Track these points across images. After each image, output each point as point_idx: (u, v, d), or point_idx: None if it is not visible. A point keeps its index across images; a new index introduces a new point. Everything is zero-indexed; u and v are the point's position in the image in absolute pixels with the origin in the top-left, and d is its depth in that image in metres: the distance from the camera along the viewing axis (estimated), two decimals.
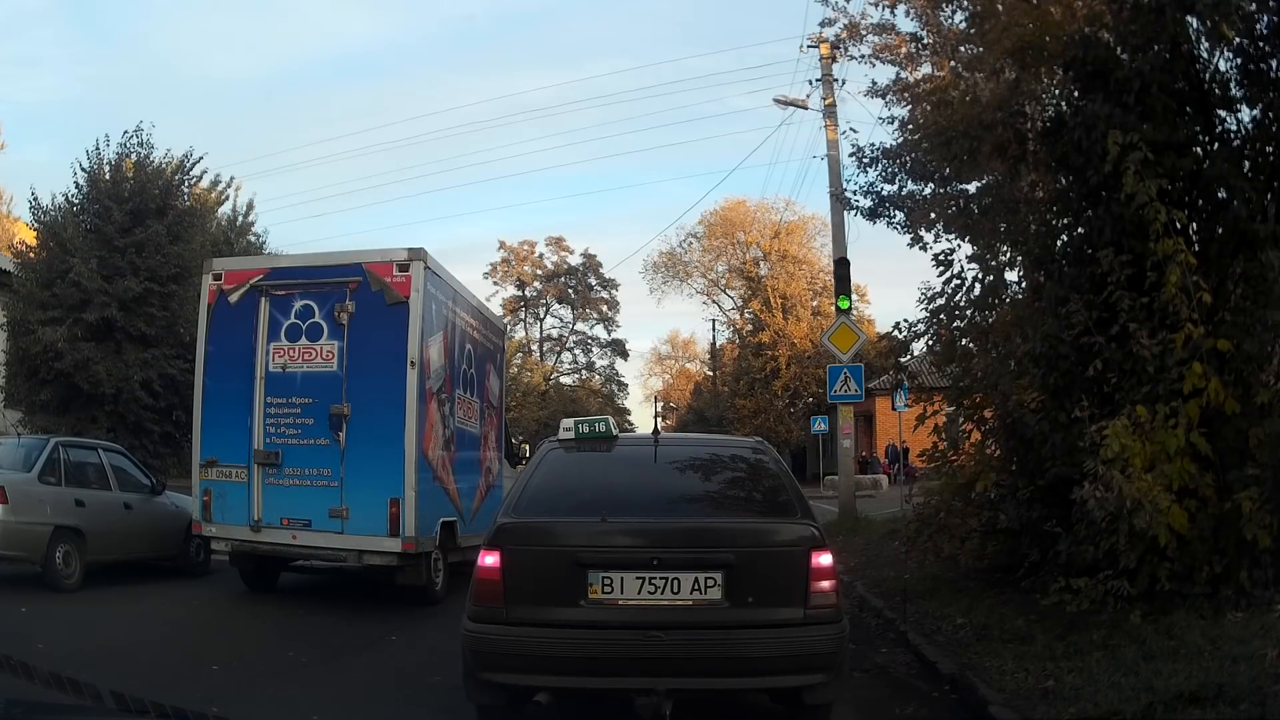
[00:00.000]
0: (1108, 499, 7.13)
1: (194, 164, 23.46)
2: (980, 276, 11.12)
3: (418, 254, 10.58)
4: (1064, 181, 9.92)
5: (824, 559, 5.58)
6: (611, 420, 7.02)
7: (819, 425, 44.31)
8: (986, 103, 10.59)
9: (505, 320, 74.85)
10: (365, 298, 10.60)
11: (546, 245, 78.08)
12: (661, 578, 5.38)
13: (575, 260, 78.14)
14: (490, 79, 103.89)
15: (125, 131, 22.96)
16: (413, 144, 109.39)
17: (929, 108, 11.70)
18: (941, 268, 11.24)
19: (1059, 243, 10.27)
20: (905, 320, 11.43)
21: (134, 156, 22.83)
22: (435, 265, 11.03)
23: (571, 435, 6.73)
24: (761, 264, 59.73)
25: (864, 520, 19.65)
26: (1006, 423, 9.47)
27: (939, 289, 11.25)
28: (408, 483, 10.13)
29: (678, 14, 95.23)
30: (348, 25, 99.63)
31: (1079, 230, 9.70)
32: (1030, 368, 9.56)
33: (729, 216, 61.94)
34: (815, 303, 57.93)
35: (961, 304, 11.21)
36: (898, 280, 73.19)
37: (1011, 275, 11.27)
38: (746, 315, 61.31)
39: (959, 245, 11.37)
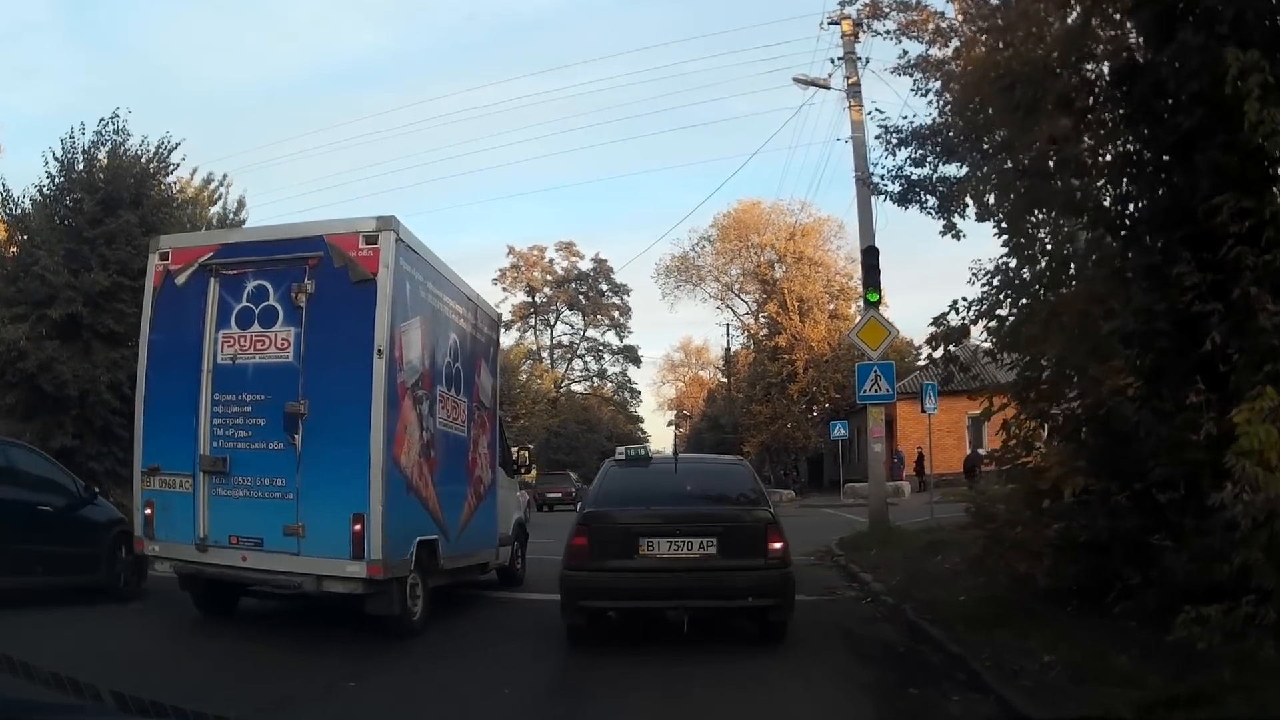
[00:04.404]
0: (1254, 502, 5.65)
1: (170, 150, 21.98)
2: (1047, 247, 9.61)
3: (388, 223, 8.99)
4: (1145, 133, 8.42)
5: (775, 531, 8.77)
6: (649, 447, 12.23)
7: (839, 431, 42.73)
8: (1052, 42, 9.12)
9: (513, 322, 74.28)
10: (327, 276, 9.02)
11: (556, 250, 77.04)
12: (681, 541, 8.58)
13: (586, 265, 77.01)
14: (491, 81, 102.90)
15: (102, 119, 21.67)
16: (418, 149, 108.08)
17: (987, 47, 10.13)
18: (1006, 236, 9.70)
19: (1139, 205, 8.76)
20: (963, 299, 9.79)
21: (109, 144, 21.49)
22: (410, 238, 9.44)
23: (623, 457, 10.41)
24: (776, 266, 58.21)
25: (897, 530, 17.92)
26: (1098, 414, 7.81)
27: (1001, 262, 9.70)
28: (374, 495, 8.49)
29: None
30: (352, 35, 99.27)
31: (1161, 190, 8.22)
32: (1118, 349, 7.98)
33: (742, 218, 60.56)
34: (832, 305, 56.72)
35: (1027, 279, 9.65)
36: (905, 285, 71.48)
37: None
38: (762, 319, 59.84)
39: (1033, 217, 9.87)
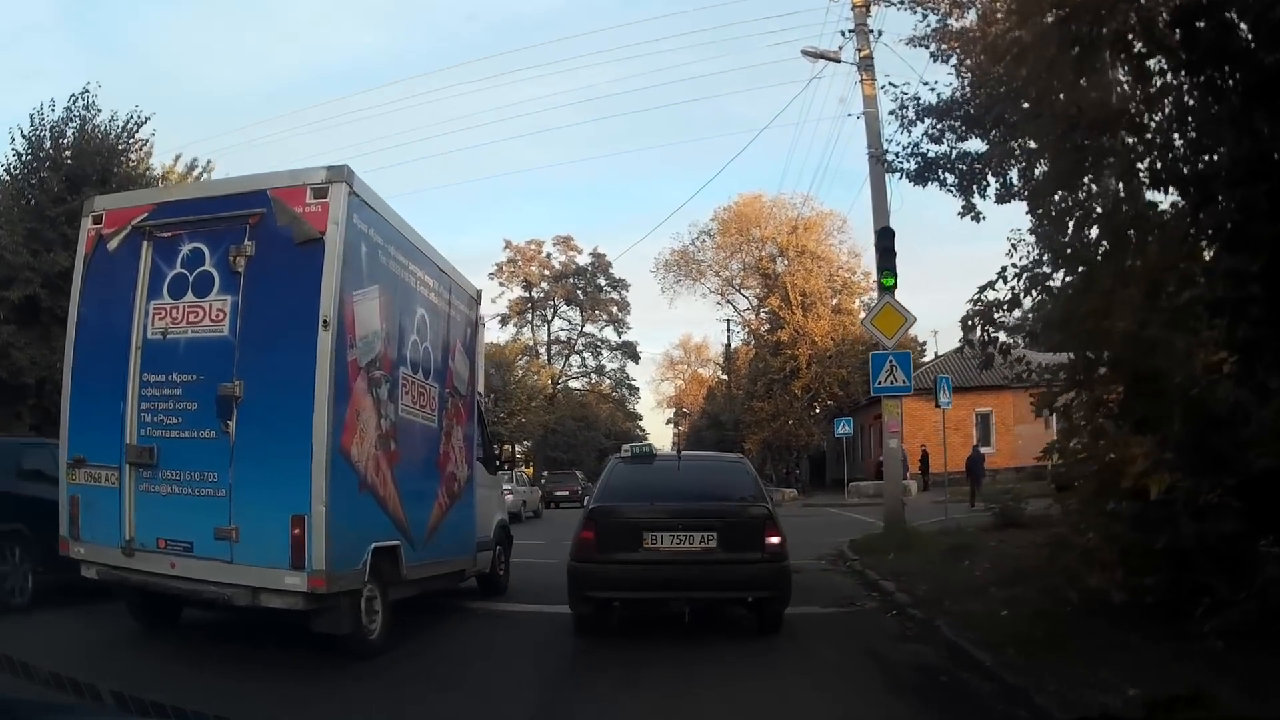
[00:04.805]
0: None
1: (139, 125, 20.91)
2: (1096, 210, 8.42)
3: (339, 173, 7.66)
4: (1214, 78, 7.30)
5: (772, 526, 9.05)
6: (652, 445, 12.86)
7: (843, 428, 41.49)
8: None
9: (510, 317, 72.90)
10: (269, 236, 7.72)
11: (554, 245, 75.87)
12: (683, 535, 8.89)
13: (584, 260, 75.74)
14: (492, 77, 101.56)
15: (72, 94, 20.80)
16: (413, 147, 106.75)
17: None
18: (1058, 191, 8.50)
19: (1211, 158, 7.63)
20: (1013, 265, 8.49)
21: (78, 120, 20.56)
22: (369, 194, 8.13)
23: (628, 455, 10.46)
24: (778, 260, 56.85)
25: (914, 532, 16.59)
26: (1190, 396, 6.50)
27: (1045, 230, 8.50)
28: (316, 493, 7.14)
29: None
30: (352, 36, 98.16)
31: (1238, 140, 7.05)
32: (1201, 320, 6.75)
33: (743, 212, 59.27)
34: (835, 301, 55.34)
35: (1081, 245, 8.40)
36: (905, 287, 69.92)
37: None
38: (763, 314, 58.55)
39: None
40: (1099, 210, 8.87)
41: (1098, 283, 8.04)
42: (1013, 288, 8.29)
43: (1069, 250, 8.21)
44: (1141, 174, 8.26)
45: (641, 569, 8.84)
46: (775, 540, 8.94)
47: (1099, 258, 8.37)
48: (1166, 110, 8.16)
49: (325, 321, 7.30)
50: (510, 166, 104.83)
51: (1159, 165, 7.99)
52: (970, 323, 9.21)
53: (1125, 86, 8.66)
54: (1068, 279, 8.28)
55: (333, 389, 7.28)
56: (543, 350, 76.36)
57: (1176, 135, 8.03)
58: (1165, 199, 8.28)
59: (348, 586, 7.49)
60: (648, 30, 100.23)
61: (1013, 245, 9.91)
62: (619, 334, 78.21)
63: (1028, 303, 8.54)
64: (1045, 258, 8.52)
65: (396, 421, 8.59)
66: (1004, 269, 8.49)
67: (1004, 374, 9.90)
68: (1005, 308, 8.37)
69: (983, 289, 8.49)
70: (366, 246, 8.03)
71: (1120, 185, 8.82)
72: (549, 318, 77.78)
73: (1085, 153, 8.65)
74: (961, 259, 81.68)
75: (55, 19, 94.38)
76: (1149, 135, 8.27)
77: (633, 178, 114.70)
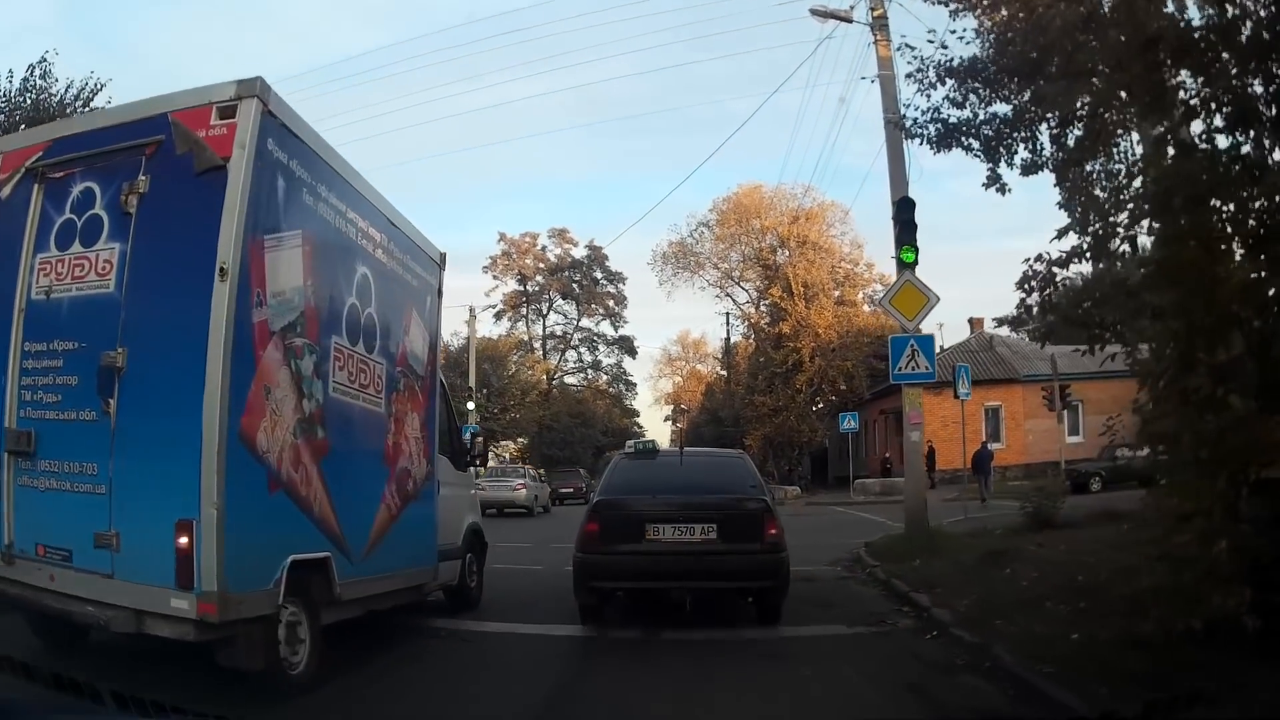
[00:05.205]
0: None
1: (95, 92, 19.38)
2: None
3: (251, 87, 6.09)
4: None
5: (770, 518, 9.41)
6: (656, 441, 13.25)
7: (848, 423, 39.97)
8: None
9: (504, 311, 71.33)
10: (166, 168, 6.15)
11: (549, 238, 74.21)
12: (685, 527, 9.22)
13: (579, 253, 74.11)
14: (489, 68, 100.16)
15: (30, 65, 19.22)
16: (415, 144, 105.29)
17: None
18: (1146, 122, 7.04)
19: None
20: (1092, 212, 6.90)
21: (34, 90, 19.16)
22: (292, 118, 6.57)
23: (632, 450, 11.11)
24: (779, 251, 55.21)
25: (939, 534, 15.03)
26: None
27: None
28: (206, 492, 5.54)
29: None
30: (352, 35, 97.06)
31: None
32: None
33: (743, 202, 57.59)
34: (838, 293, 53.76)
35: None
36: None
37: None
38: (764, 307, 56.97)
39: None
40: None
41: (1199, 229, 6.47)
42: (1095, 230, 6.65)
43: (1165, 186, 6.60)
44: (1222, 109, 6.77)
45: (644, 560, 9.13)
46: (774, 532, 9.28)
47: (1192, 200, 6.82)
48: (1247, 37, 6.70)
49: (223, 270, 5.69)
50: (508, 164, 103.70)
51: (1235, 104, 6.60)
52: (1028, 285, 7.65)
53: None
54: (1157, 226, 6.67)
55: (229, 357, 5.68)
56: (538, 345, 74.79)
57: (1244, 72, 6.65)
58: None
59: (254, 611, 5.87)
60: (647, 16, 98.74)
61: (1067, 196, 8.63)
62: (615, 328, 76.68)
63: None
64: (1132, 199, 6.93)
65: (325, 403, 6.94)
66: (1081, 215, 6.91)
67: (1074, 348, 8.23)
68: (1086, 257, 6.74)
69: (1061, 233, 6.87)
70: (285, 181, 6.42)
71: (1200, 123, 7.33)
72: (544, 312, 76.25)
73: (1166, 78, 7.13)
74: (961, 257, 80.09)
75: (55, 19, 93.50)
76: (1231, 66, 6.81)
77: (630, 176, 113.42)
